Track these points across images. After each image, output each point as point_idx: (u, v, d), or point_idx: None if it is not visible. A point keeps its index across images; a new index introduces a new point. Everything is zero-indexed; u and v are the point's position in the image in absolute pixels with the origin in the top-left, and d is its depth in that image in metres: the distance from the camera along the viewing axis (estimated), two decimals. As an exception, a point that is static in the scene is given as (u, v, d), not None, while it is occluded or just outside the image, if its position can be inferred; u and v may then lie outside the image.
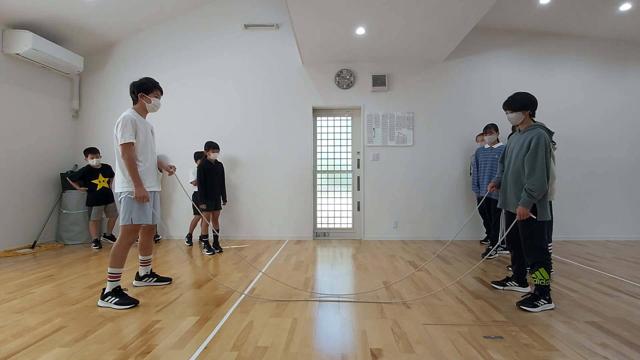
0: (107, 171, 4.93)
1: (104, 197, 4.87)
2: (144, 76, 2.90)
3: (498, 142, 4.33)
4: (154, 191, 2.85)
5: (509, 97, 2.67)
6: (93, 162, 4.80)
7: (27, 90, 4.77)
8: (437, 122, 5.40)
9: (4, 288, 2.99)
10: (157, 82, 2.84)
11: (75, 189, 4.98)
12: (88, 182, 4.79)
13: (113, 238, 4.97)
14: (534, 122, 2.63)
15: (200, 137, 5.41)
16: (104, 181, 4.87)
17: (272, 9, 5.47)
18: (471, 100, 5.39)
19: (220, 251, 4.45)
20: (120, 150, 2.61)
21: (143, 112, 2.81)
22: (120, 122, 2.60)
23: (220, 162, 4.60)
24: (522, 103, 2.60)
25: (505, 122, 5.10)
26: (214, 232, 4.21)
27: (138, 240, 3.02)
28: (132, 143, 2.61)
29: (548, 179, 2.46)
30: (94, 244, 4.72)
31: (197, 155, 4.91)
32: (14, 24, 4.48)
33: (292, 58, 5.47)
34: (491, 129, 4.29)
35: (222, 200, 4.51)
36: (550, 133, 2.58)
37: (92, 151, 4.82)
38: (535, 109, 2.63)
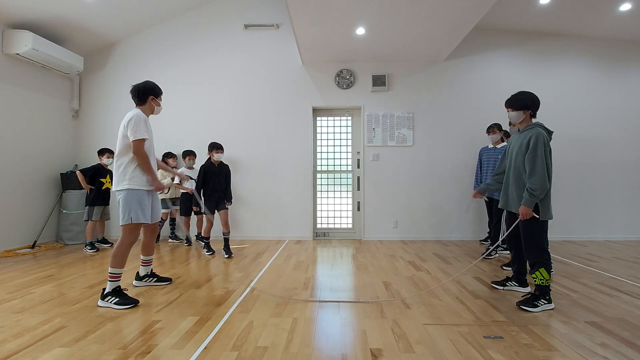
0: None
1: (105, 198, 4.81)
2: (145, 79, 2.94)
3: (502, 141, 4.33)
4: (152, 190, 2.82)
5: (512, 95, 2.69)
6: (109, 161, 4.74)
7: (27, 90, 4.76)
8: (437, 122, 5.40)
9: (4, 288, 2.99)
10: (160, 88, 2.92)
11: (77, 189, 4.97)
12: (96, 179, 4.70)
13: (105, 241, 4.89)
14: (533, 121, 2.64)
15: (199, 137, 5.41)
16: (110, 182, 4.82)
17: (272, 9, 5.47)
18: (471, 100, 5.39)
19: (230, 256, 4.16)
20: (131, 146, 2.61)
21: (148, 114, 2.84)
22: (134, 119, 2.63)
23: (225, 164, 4.39)
24: (523, 102, 2.61)
25: (506, 121, 5.10)
26: (224, 235, 4.15)
27: (141, 240, 3.01)
28: (145, 139, 2.64)
29: (550, 178, 2.46)
30: (88, 247, 4.52)
31: (185, 154, 4.89)
32: (14, 24, 4.48)
33: (292, 58, 5.47)
34: (494, 128, 4.30)
35: (226, 201, 4.29)
36: (549, 132, 2.58)
37: (108, 151, 4.79)
38: (537, 109, 2.63)
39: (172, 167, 5.19)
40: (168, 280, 3.12)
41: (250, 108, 5.48)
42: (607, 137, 5.38)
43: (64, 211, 5.04)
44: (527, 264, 2.72)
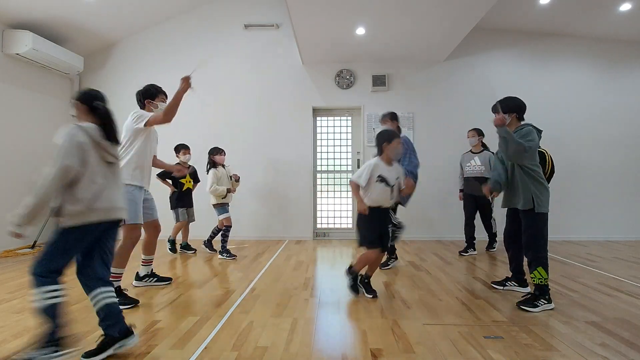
0: (194, 174, 4.59)
1: (189, 200, 4.47)
2: (145, 79, 2.89)
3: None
4: (144, 189, 2.75)
5: (497, 101, 2.66)
6: (185, 157, 4.38)
7: (27, 90, 4.76)
8: (437, 122, 5.40)
9: (4, 288, 2.99)
10: (161, 87, 2.84)
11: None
12: (176, 181, 4.33)
13: (188, 247, 4.46)
14: (522, 123, 2.65)
15: (198, 138, 5.40)
16: (190, 182, 4.48)
17: (272, 9, 5.47)
18: (471, 100, 5.39)
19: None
20: (143, 128, 2.65)
21: None
22: (137, 112, 2.67)
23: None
24: (507, 106, 2.61)
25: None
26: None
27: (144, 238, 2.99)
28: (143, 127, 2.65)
29: (538, 170, 2.52)
30: (169, 246, 4.34)
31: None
32: (14, 24, 4.48)
33: (292, 58, 5.46)
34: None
35: None
36: (539, 131, 2.60)
37: (184, 147, 4.39)
38: (523, 113, 2.65)
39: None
40: (168, 280, 3.12)
41: (250, 108, 5.48)
42: (607, 137, 5.38)
43: (64, 211, 5.02)
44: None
